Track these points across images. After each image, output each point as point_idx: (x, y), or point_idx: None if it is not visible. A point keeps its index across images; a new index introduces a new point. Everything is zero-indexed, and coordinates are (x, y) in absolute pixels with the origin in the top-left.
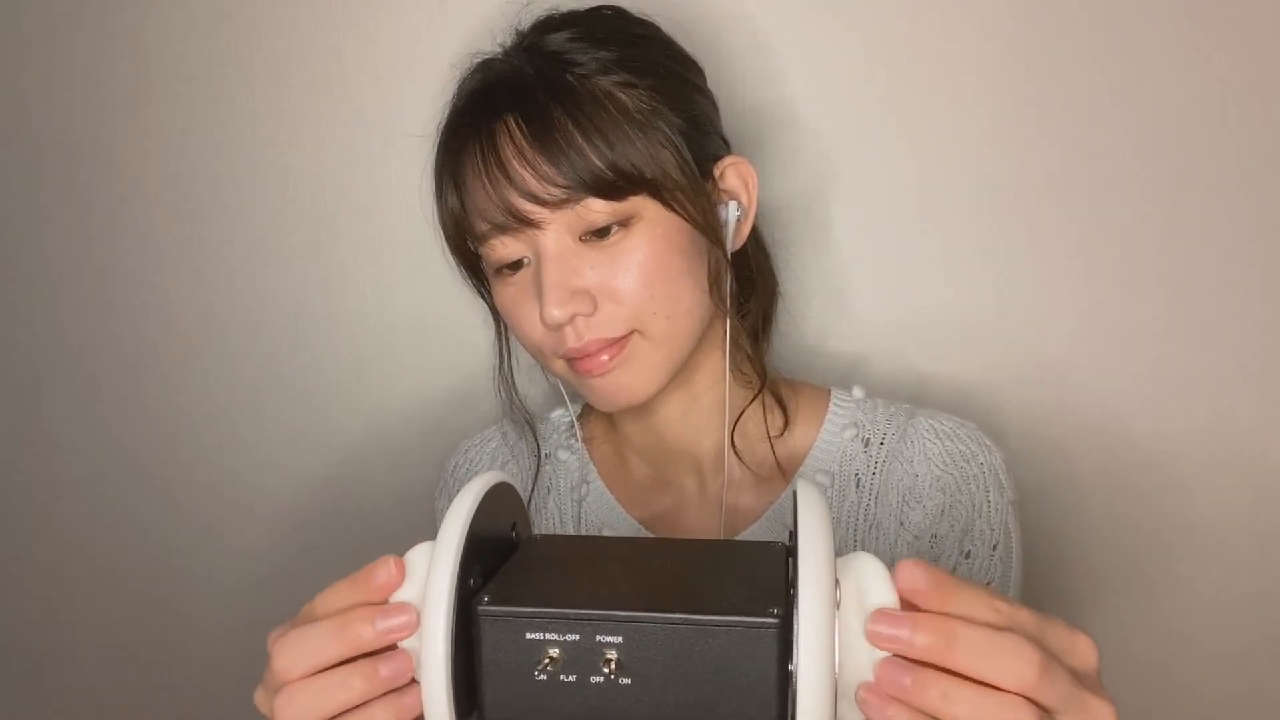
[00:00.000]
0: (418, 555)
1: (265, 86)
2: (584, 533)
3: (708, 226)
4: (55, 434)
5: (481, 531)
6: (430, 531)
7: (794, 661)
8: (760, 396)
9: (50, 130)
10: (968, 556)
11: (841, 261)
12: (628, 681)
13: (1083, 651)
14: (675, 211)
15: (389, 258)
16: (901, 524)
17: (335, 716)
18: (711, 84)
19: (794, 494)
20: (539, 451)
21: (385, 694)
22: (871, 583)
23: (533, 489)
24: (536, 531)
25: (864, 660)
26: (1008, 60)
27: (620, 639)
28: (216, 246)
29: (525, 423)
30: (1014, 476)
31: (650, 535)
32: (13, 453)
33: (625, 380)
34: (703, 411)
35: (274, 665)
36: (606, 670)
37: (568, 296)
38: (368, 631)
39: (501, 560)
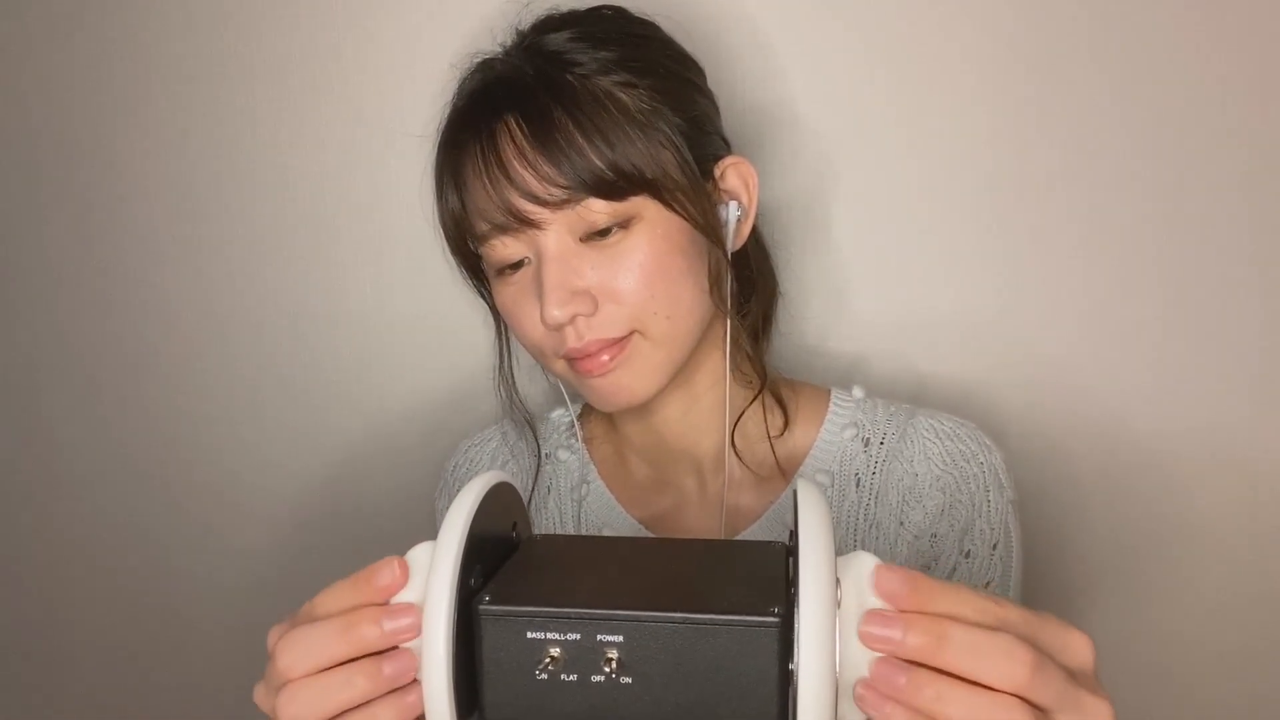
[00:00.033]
0: (418, 555)
1: (265, 86)
2: (584, 532)
3: (708, 226)
4: (55, 434)
5: (482, 531)
6: (430, 531)
7: (794, 660)
8: (760, 397)
9: (50, 130)
10: (968, 556)
11: (841, 261)
12: (629, 681)
13: (1077, 649)
14: (676, 212)
15: (389, 258)
16: (901, 523)
17: (338, 715)
18: (711, 84)
19: (794, 494)
20: (539, 451)
21: (388, 692)
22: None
23: (533, 489)
24: (536, 531)
25: (864, 660)
26: (1008, 60)
27: (621, 638)
28: (216, 246)
29: (525, 422)
30: (1014, 476)
31: (650, 535)
32: (13, 453)
33: (626, 380)
34: (703, 412)
35: (276, 663)
36: (607, 669)
37: (568, 297)
38: (373, 632)
39: (502, 560)
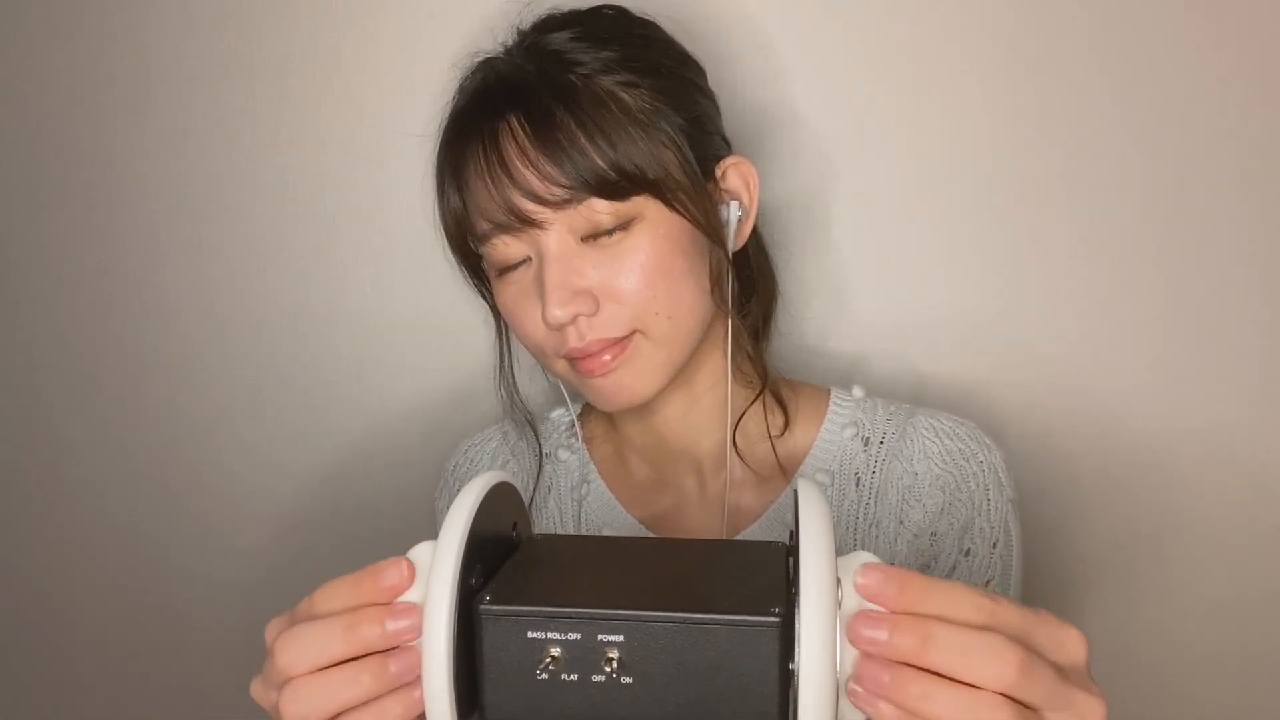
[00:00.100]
0: (419, 555)
1: (265, 86)
2: (584, 532)
3: (709, 226)
4: (55, 434)
5: (483, 531)
6: (430, 531)
7: (795, 660)
8: (761, 396)
9: (50, 130)
10: (967, 554)
11: (841, 261)
12: (629, 680)
13: (1071, 647)
14: (677, 212)
15: (389, 258)
16: (901, 522)
17: (342, 712)
18: (712, 84)
19: (794, 493)
20: (540, 451)
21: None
22: None
23: (534, 488)
24: (537, 531)
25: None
26: (1008, 60)
27: (622, 638)
28: (216, 246)
29: (526, 422)
30: (1014, 475)
31: (651, 535)
32: (13, 453)
33: (627, 380)
34: (703, 412)
35: (276, 660)
36: (608, 669)
37: (570, 296)
38: (376, 632)
39: (502, 559)
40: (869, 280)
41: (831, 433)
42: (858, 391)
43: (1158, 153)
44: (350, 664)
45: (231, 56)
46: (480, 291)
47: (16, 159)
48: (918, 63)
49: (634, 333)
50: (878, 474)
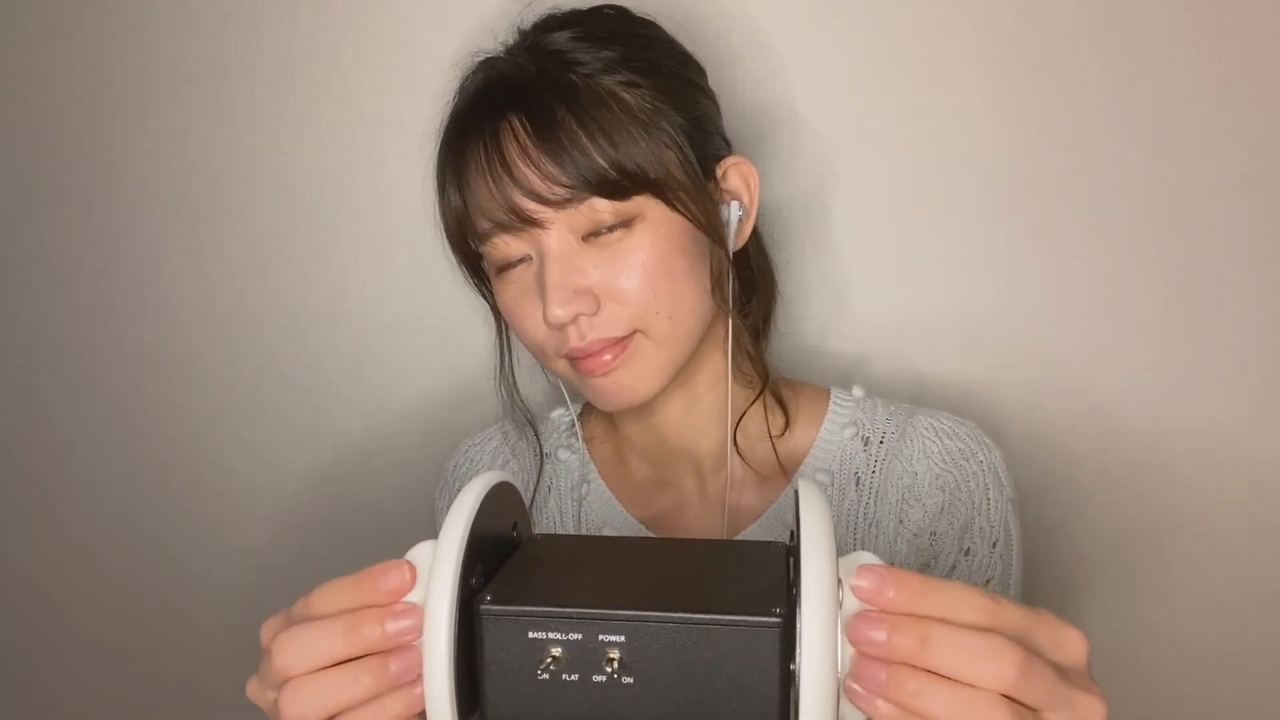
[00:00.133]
0: (419, 555)
1: (265, 86)
2: (584, 532)
3: (710, 226)
4: (55, 434)
5: (483, 531)
6: (430, 531)
7: (796, 661)
8: (762, 396)
9: (50, 130)
10: (967, 554)
11: (841, 261)
12: (630, 681)
13: (1071, 647)
14: (678, 211)
15: (389, 258)
16: (901, 522)
17: (341, 712)
18: (712, 84)
19: (795, 493)
20: (541, 451)
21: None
22: None
23: (535, 488)
24: (537, 531)
25: None
26: (1008, 60)
27: (623, 638)
28: (216, 246)
29: (526, 422)
30: (1013, 475)
31: (651, 535)
32: (13, 453)
33: (628, 380)
34: (703, 412)
35: (274, 661)
36: (609, 669)
37: (571, 296)
38: (377, 633)
39: (503, 559)
40: (869, 280)
41: (831, 432)
42: (858, 391)
43: (1158, 153)
44: (351, 664)
45: (231, 56)
46: (480, 291)
47: (16, 159)
48: (918, 63)
49: (635, 332)
50: (878, 474)
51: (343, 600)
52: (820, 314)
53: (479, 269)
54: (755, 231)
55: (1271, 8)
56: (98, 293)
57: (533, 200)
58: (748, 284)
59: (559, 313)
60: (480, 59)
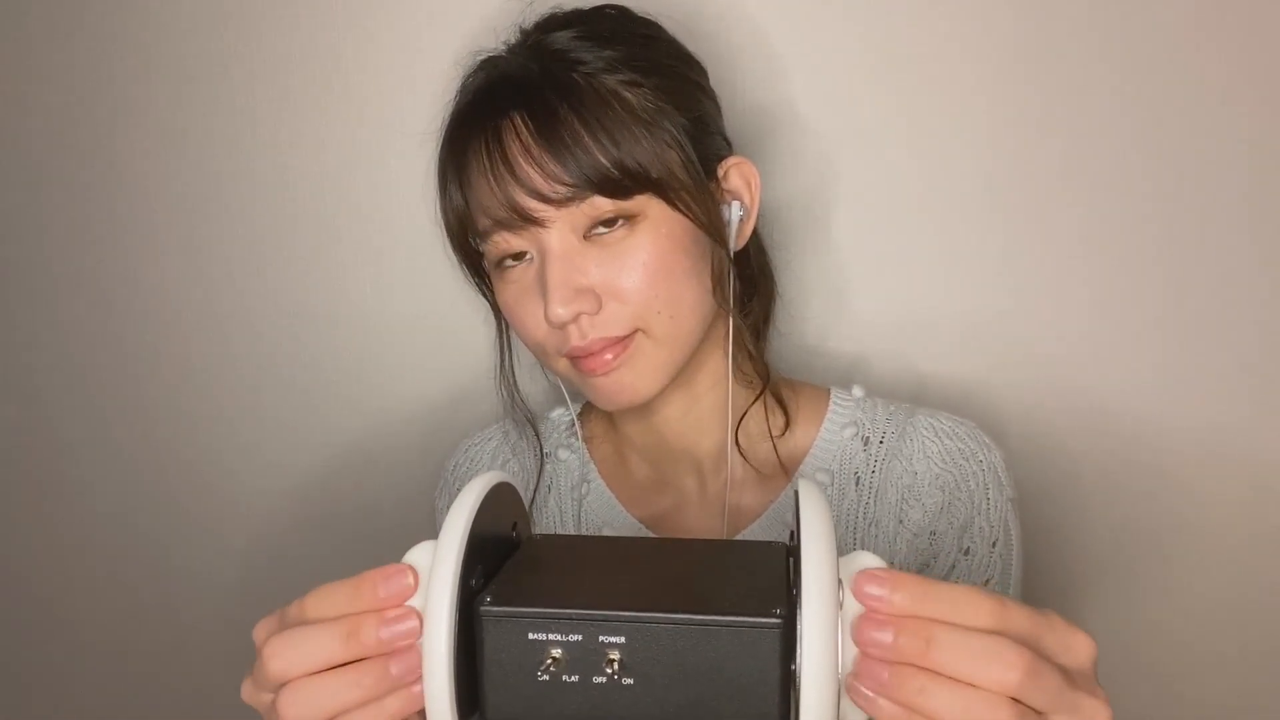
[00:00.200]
0: (419, 555)
1: (265, 86)
2: (584, 532)
3: (712, 226)
4: (55, 434)
5: (483, 531)
6: (430, 531)
7: (796, 661)
8: (763, 396)
9: (50, 130)
10: (967, 554)
11: (841, 261)
12: (630, 682)
13: (1078, 650)
14: (680, 211)
15: (389, 258)
16: (900, 522)
17: (343, 713)
18: (713, 84)
19: (795, 493)
20: (541, 450)
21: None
22: None
23: (535, 488)
24: (537, 531)
25: None
26: (1008, 60)
27: (623, 639)
28: (216, 246)
29: (526, 421)
30: (1013, 475)
31: (651, 535)
32: (13, 453)
33: (629, 379)
34: (703, 411)
35: (272, 664)
36: (609, 670)
37: (572, 295)
38: (376, 637)
39: (503, 560)
40: (869, 280)
41: (831, 432)
42: (858, 391)
43: (1158, 153)
44: (352, 666)
45: (231, 56)
46: (481, 290)
47: (16, 159)
48: (918, 63)
49: (636, 331)
50: (877, 473)
51: (342, 604)
52: (820, 314)
53: (480, 268)
54: (755, 231)
55: (1271, 8)
56: (98, 293)
57: (534, 199)
58: (748, 284)
59: (560, 311)
60: (482, 58)
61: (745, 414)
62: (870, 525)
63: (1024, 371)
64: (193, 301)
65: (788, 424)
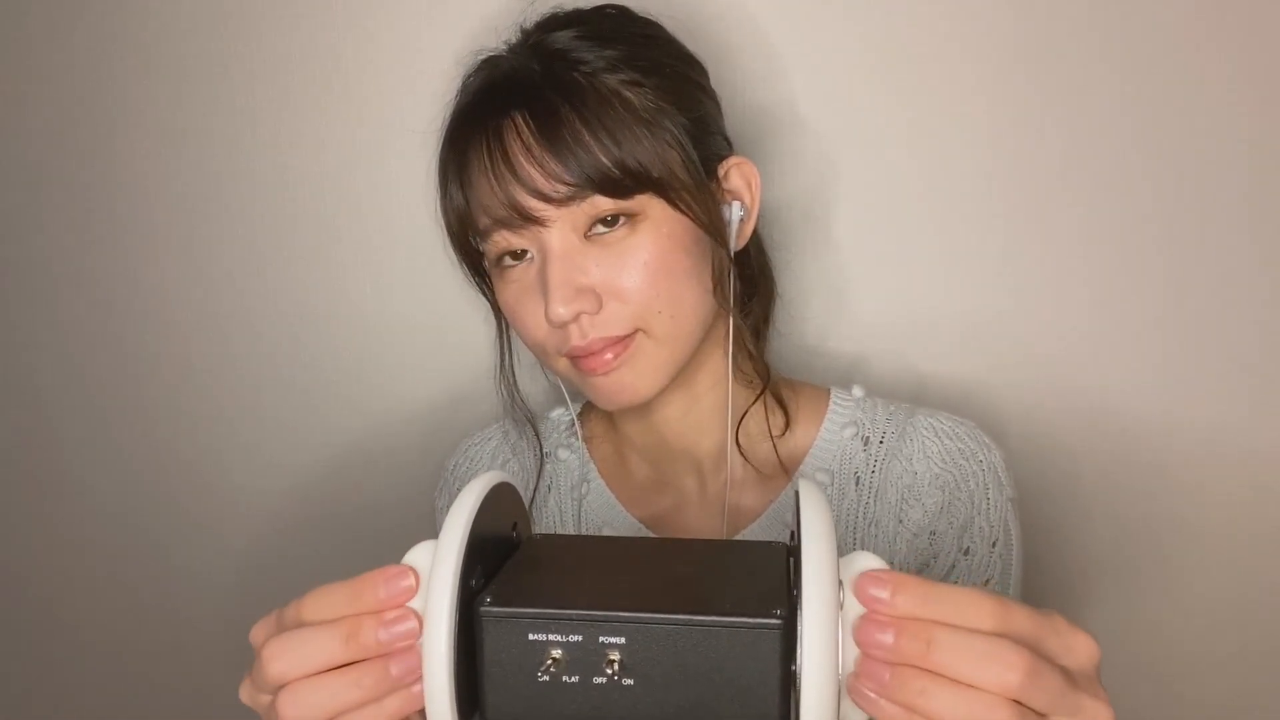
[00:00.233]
0: (419, 555)
1: (265, 86)
2: (584, 532)
3: (712, 226)
4: (55, 434)
5: (483, 532)
6: (430, 530)
7: (797, 662)
8: (763, 396)
9: (50, 130)
10: (967, 553)
11: (841, 261)
12: (630, 682)
13: (1080, 651)
14: (681, 211)
15: (389, 258)
16: (900, 521)
17: (343, 713)
18: (713, 84)
19: (795, 494)
20: (541, 450)
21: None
22: None
23: (535, 488)
24: (537, 531)
25: None
26: (1008, 61)
27: (623, 640)
28: (216, 246)
29: (526, 421)
30: (1013, 475)
31: (651, 535)
32: (13, 453)
33: (629, 379)
34: (703, 411)
35: (271, 666)
36: (609, 671)
37: (573, 294)
38: (374, 639)
39: (503, 560)
40: (869, 280)
41: (831, 432)
42: (858, 391)
43: (1158, 153)
44: (352, 667)
45: (231, 56)
46: (481, 289)
47: (16, 159)
48: (918, 63)
49: (636, 331)
50: (877, 473)
51: (341, 606)
52: (820, 314)
53: (480, 267)
54: (755, 231)
55: (1271, 8)
56: (98, 293)
57: (535, 198)
58: (748, 284)
59: (561, 311)
60: (483, 57)
61: (745, 414)
62: (870, 525)
63: (1024, 371)
64: (193, 301)
65: (788, 424)
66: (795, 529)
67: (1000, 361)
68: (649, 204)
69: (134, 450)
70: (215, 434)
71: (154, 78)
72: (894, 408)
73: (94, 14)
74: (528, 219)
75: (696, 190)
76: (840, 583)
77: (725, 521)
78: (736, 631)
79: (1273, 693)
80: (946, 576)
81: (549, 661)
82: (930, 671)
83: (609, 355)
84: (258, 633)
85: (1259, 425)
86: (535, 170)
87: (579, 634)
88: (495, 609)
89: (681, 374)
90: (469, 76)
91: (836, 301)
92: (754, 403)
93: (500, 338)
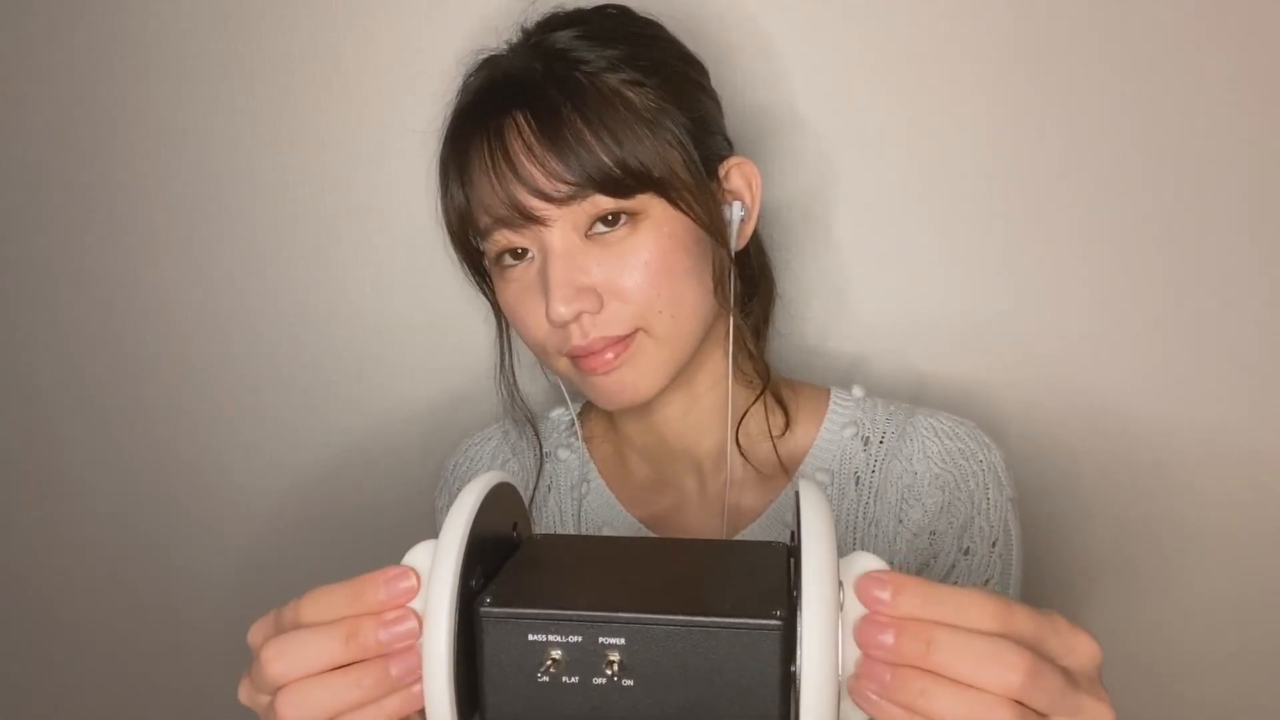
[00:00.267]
0: (419, 555)
1: (265, 86)
2: (584, 532)
3: (713, 226)
4: (55, 434)
5: (483, 532)
6: (429, 530)
7: (797, 663)
8: (763, 396)
9: (50, 130)
10: (967, 553)
11: (841, 261)
12: (630, 683)
13: (1082, 651)
14: (682, 210)
15: (389, 258)
16: (900, 521)
17: (342, 713)
18: (713, 84)
19: (795, 494)
20: (541, 449)
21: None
22: None
23: (535, 488)
24: (537, 530)
25: None
26: (1008, 61)
27: (623, 641)
28: (216, 246)
29: (526, 421)
30: (1013, 475)
31: (651, 535)
32: (13, 453)
33: (630, 379)
34: (703, 411)
35: (270, 667)
36: (609, 672)
37: (574, 294)
38: (373, 640)
39: (502, 560)
40: (869, 280)
41: (831, 432)
42: (858, 391)
43: (1158, 152)
44: (352, 667)
45: (231, 56)
46: (481, 289)
47: (16, 159)
48: (918, 63)
49: (637, 331)
50: (877, 473)
51: (341, 606)
52: (820, 314)
53: (480, 267)
54: (755, 232)
55: (1271, 7)
56: (98, 293)
57: (537, 197)
58: (748, 284)
59: (562, 310)
60: (484, 56)
61: (745, 414)
62: (870, 525)
63: (1024, 371)
64: (193, 301)
65: (788, 424)
66: (795, 529)
67: (1000, 361)
68: (650, 204)
69: (134, 450)
70: (215, 434)
71: (154, 78)
72: (894, 408)
73: (94, 14)
74: (529, 218)
75: (698, 190)
76: (840, 583)
77: (725, 521)
78: (736, 632)
79: (1273, 693)
80: (946, 576)
81: (549, 662)
82: (931, 672)
83: (610, 355)
84: (256, 633)
85: (1259, 425)
86: (536, 169)
87: (579, 635)
88: (495, 609)
89: (682, 374)
90: (470, 76)
91: (836, 301)
92: (754, 403)
93: (500, 337)
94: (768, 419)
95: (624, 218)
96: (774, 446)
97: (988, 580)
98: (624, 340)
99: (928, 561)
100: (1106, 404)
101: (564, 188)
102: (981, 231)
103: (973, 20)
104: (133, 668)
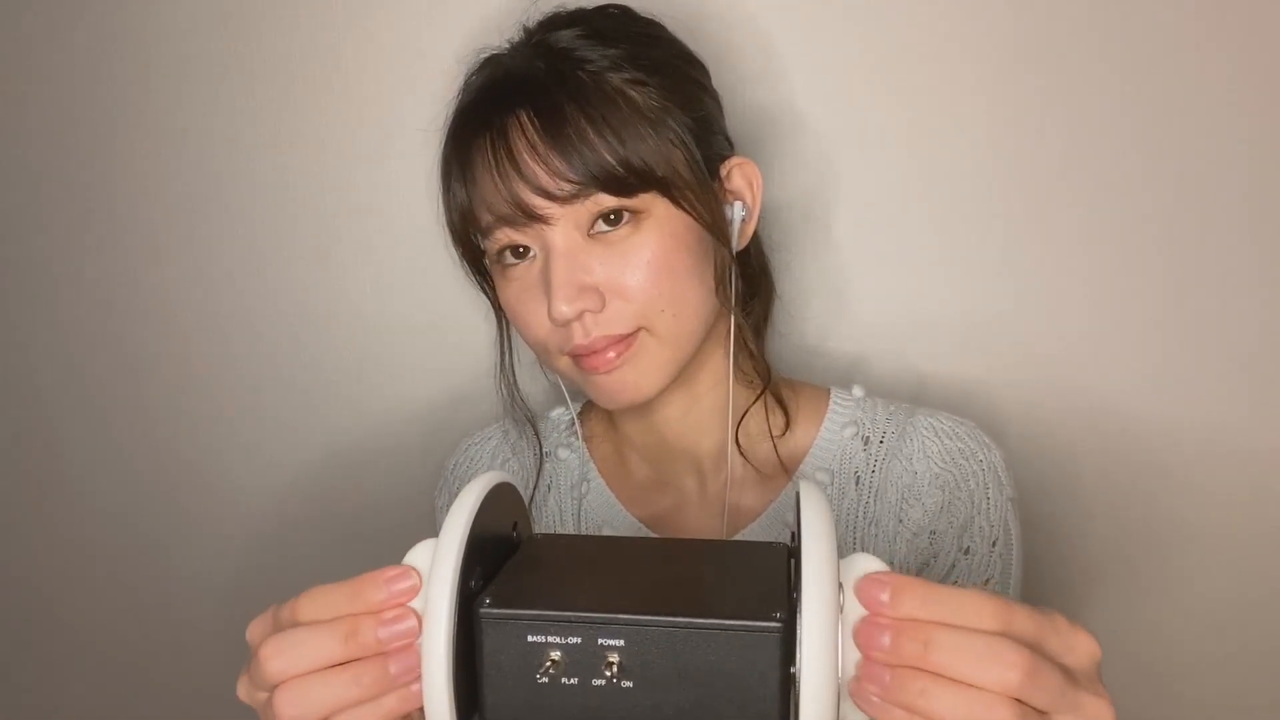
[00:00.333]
0: (418, 555)
1: (265, 86)
2: (584, 531)
3: (715, 225)
4: (55, 434)
5: (483, 532)
6: (429, 530)
7: (796, 665)
8: (763, 396)
9: (50, 130)
10: (967, 553)
11: (841, 261)
12: (629, 684)
13: (1081, 650)
14: (684, 210)
15: (389, 258)
16: (900, 521)
17: (340, 711)
18: (714, 84)
19: (796, 495)
20: (541, 449)
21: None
22: None
23: (535, 487)
24: (537, 530)
25: None
26: (1009, 61)
27: (622, 642)
28: (216, 246)
29: (526, 420)
30: (1013, 474)
31: (651, 535)
32: (13, 453)
33: (631, 378)
34: (704, 411)
35: (269, 665)
36: (608, 673)
37: (577, 293)
38: (373, 638)
39: (502, 560)
40: (869, 280)
41: (831, 432)
42: (858, 391)
43: (1158, 153)
44: (351, 665)
45: (231, 56)
46: (482, 288)
47: (16, 159)
48: (918, 63)
49: (639, 330)
50: (877, 473)
51: (341, 605)
52: (820, 314)
53: (481, 265)
54: (755, 232)
55: (1271, 7)
56: (98, 293)
57: (539, 196)
58: (749, 283)
59: (565, 309)
60: (486, 55)
61: (745, 414)
62: (870, 525)
63: (1024, 371)
64: (193, 301)
65: (788, 424)
66: (795, 530)
67: (1000, 361)
68: (652, 203)
69: (134, 450)
70: (215, 434)
71: (154, 78)
72: (894, 408)
73: (94, 14)
74: (531, 216)
75: (700, 189)
76: (840, 585)
77: (725, 521)
78: (736, 634)
79: (1273, 693)
80: (946, 576)
81: (548, 663)
82: (931, 672)
83: (611, 354)
84: (254, 630)
85: (1259, 425)
86: (539, 167)
87: (578, 636)
88: (494, 610)
89: (682, 373)
90: (472, 74)
91: (836, 301)
92: (754, 402)
93: (500, 337)
94: (768, 419)
95: (626, 216)
96: (774, 446)
97: (988, 580)
98: (626, 339)
99: (928, 561)
100: (1106, 404)
101: (567, 186)
102: (981, 231)
103: (973, 20)
104: (133, 668)
